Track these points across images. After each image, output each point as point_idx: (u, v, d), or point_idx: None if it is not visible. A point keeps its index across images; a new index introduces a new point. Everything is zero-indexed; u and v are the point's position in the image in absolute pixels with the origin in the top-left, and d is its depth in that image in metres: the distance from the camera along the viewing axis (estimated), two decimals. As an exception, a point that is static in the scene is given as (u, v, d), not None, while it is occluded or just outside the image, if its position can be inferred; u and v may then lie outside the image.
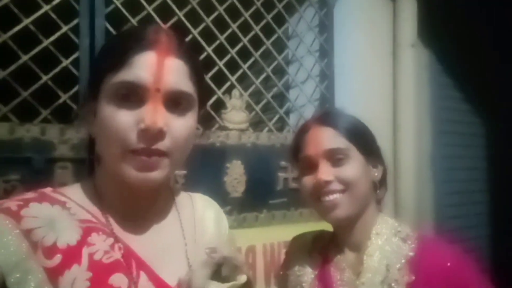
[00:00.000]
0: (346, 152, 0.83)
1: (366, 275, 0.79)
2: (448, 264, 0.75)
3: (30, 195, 0.59)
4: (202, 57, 1.54)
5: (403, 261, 0.78)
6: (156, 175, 0.58)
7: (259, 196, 1.61)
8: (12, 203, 0.55)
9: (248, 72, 1.68)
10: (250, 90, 1.71)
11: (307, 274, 0.88)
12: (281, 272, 0.99)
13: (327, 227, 0.92)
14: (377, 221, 0.85)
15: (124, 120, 0.56)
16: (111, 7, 1.37)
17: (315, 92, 1.89)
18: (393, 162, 1.99)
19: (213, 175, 1.50)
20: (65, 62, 1.29)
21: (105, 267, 0.56)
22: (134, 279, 0.58)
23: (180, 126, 0.59)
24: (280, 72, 1.86)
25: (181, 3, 1.52)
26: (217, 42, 1.59)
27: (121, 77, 0.56)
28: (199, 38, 1.55)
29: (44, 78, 1.26)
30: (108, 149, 0.58)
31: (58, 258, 0.53)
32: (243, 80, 1.75)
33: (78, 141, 1.25)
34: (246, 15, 1.67)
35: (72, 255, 0.55)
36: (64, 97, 1.28)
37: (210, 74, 1.57)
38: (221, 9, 1.60)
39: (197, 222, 0.73)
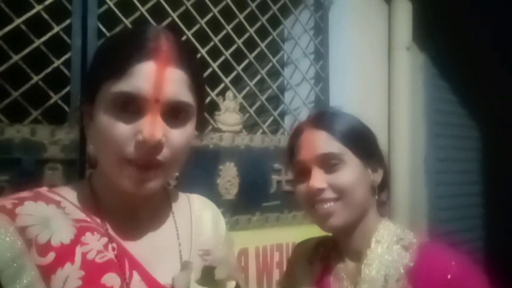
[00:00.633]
0: (340, 157, 0.78)
1: (363, 286, 0.76)
2: (449, 276, 0.70)
3: (25, 194, 0.59)
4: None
5: (402, 271, 0.73)
6: (152, 185, 0.58)
7: (252, 199, 1.60)
8: (7, 202, 0.56)
9: (242, 74, 1.68)
10: (244, 92, 1.70)
11: (306, 283, 0.86)
12: (283, 281, 0.98)
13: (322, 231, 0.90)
14: (378, 227, 0.80)
15: (121, 131, 0.55)
16: (104, 7, 1.36)
17: (310, 95, 1.89)
18: (387, 165, 1.99)
19: (206, 177, 1.49)
20: (57, 63, 1.28)
21: (98, 266, 0.56)
22: (127, 279, 0.58)
23: (178, 136, 0.58)
24: (275, 74, 1.85)
25: (175, 4, 1.51)
26: (211, 43, 1.59)
27: (120, 87, 0.55)
28: (193, 40, 1.54)
29: (35, 78, 1.25)
30: (105, 157, 0.59)
31: (51, 256, 0.54)
32: (238, 82, 1.75)
33: (69, 142, 1.23)
34: (241, 16, 1.67)
35: (65, 253, 0.55)
36: (55, 98, 1.27)
37: (203, 75, 1.56)
38: (215, 10, 1.59)
39: (194, 223, 0.73)
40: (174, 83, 0.57)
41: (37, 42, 1.25)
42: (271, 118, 1.77)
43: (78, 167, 1.26)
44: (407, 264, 0.74)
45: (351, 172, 0.78)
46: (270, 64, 1.78)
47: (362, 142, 0.82)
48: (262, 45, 1.73)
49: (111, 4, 1.38)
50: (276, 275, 1.60)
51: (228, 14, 1.64)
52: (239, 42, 1.66)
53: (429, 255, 0.75)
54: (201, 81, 0.65)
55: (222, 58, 1.62)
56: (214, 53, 1.59)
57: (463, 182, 2.51)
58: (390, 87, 2.08)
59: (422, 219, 2.17)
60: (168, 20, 1.49)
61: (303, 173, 0.81)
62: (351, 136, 0.80)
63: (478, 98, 2.57)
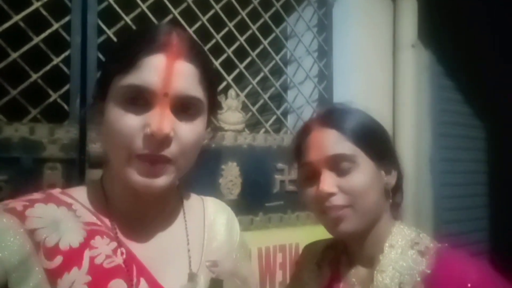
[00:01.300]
0: (352, 159, 0.72)
1: None
2: (469, 285, 0.65)
3: (37, 195, 0.59)
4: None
5: (418, 279, 0.68)
6: (161, 181, 0.56)
7: (255, 199, 1.58)
8: (18, 203, 0.55)
9: (245, 72, 1.65)
10: (247, 90, 1.68)
11: (314, 287, 0.82)
12: (290, 283, 0.94)
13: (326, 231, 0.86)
14: (391, 231, 0.75)
15: (130, 124, 0.55)
16: (104, 4, 1.34)
17: (314, 93, 1.86)
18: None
19: (208, 177, 1.47)
20: (56, 60, 1.26)
21: (105, 272, 0.56)
22: (134, 285, 0.57)
23: (187, 132, 0.57)
24: (278, 72, 1.83)
25: (177, 1, 1.49)
26: (213, 41, 1.56)
27: (129, 80, 0.55)
28: (195, 37, 1.51)
29: (34, 76, 1.23)
30: (114, 152, 0.58)
31: (58, 259, 0.53)
32: (240, 80, 1.72)
33: (68, 141, 1.22)
34: (243, 13, 1.64)
35: (73, 257, 0.54)
36: (54, 96, 1.25)
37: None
38: (217, 7, 1.57)
39: (207, 228, 0.71)
40: (184, 77, 0.56)
41: (36, 39, 1.23)
42: (274, 117, 1.75)
43: (78, 167, 1.25)
44: (424, 270, 0.68)
45: (364, 175, 0.72)
46: (273, 62, 1.76)
47: (375, 142, 0.75)
48: (265, 42, 1.70)
49: (111, 0, 1.35)
50: (279, 276, 1.57)
51: (230, 11, 1.61)
52: (242, 39, 1.63)
53: (447, 262, 0.69)
54: (212, 77, 0.63)
55: (224, 55, 1.59)
56: (216, 50, 1.57)
57: (469, 183, 2.48)
58: (394, 85, 2.05)
59: (427, 220, 2.14)
60: (169, 17, 1.47)
61: (311, 176, 0.75)
62: (364, 136, 0.74)
63: (485, 97, 2.53)
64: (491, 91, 2.51)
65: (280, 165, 1.64)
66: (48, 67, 1.25)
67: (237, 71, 1.63)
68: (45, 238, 0.54)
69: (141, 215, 0.64)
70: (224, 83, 1.60)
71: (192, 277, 0.62)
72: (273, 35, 1.74)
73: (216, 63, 1.56)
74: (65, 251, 0.54)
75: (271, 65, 1.75)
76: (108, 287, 0.55)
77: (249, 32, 1.66)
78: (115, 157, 0.58)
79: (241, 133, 1.59)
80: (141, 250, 0.61)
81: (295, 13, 1.87)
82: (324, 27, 1.86)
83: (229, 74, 1.61)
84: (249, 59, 1.67)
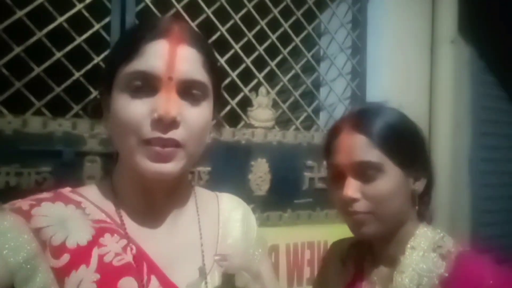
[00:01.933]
0: (378, 167, 0.71)
1: None
2: None
3: (45, 195, 0.59)
4: (229, 54, 1.54)
5: (436, 281, 0.68)
6: (171, 167, 0.56)
7: (284, 195, 1.59)
8: (24, 203, 0.56)
9: (276, 70, 1.66)
10: (278, 87, 1.69)
11: (338, 283, 0.83)
12: (317, 278, 0.96)
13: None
14: (415, 233, 0.75)
15: (137, 110, 0.55)
16: (142, 5, 1.39)
17: (346, 90, 1.84)
18: (433, 171, 1.90)
19: (238, 173, 1.50)
20: (97, 59, 1.33)
21: (115, 269, 0.55)
22: (144, 284, 0.56)
23: (194, 115, 0.57)
24: (310, 69, 1.82)
25: (210, 0, 1.52)
26: (245, 39, 1.58)
27: (134, 67, 0.55)
28: (227, 35, 1.54)
29: (77, 74, 1.30)
30: (123, 140, 0.57)
31: (66, 257, 0.53)
32: (272, 78, 1.73)
33: (107, 136, 1.28)
34: (276, 11, 1.65)
35: (81, 255, 0.54)
36: (95, 93, 1.32)
37: (237, 71, 1.56)
38: (249, 6, 1.59)
39: (221, 224, 0.70)
40: (187, 61, 0.57)
41: (78, 40, 1.30)
42: (305, 114, 1.75)
43: (115, 160, 1.31)
44: (442, 274, 0.69)
45: (389, 183, 0.72)
46: (305, 59, 1.75)
47: (405, 149, 0.74)
48: (297, 40, 1.70)
49: (148, 1, 1.41)
50: (306, 273, 1.58)
51: (262, 9, 1.62)
52: (273, 37, 1.64)
53: (466, 266, 0.69)
54: (214, 62, 0.64)
55: (256, 53, 1.61)
56: (248, 48, 1.59)
57: (510, 184, 2.36)
58: (432, 82, 1.97)
59: (465, 223, 2.07)
60: (203, 16, 1.50)
61: (338, 177, 0.76)
62: (393, 143, 0.72)
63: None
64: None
65: (309, 163, 1.64)
66: (89, 66, 1.32)
67: (268, 68, 1.65)
68: (51, 237, 0.53)
69: (152, 211, 0.63)
70: (255, 81, 1.62)
71: (202, 271, 0.61)
72: (305, 32, 1.74)
73: (248, 61, 1.58)
74: (72, 249, 0.54)
75: (302, 62, 1.75)
76: (118, 285, 0.54)
77: (281, 29, 1.67)
78: (124, 146, 0.57)
79: (271, 130, 1.60)
80: (152, 247, 0.60)
81: (328, 10, 1.85)
82: (358, 23, 1.83)
83: (260, 72, 1.62)
84: (280, 56, 1.67)
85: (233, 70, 1.54)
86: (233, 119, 1.55)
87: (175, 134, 0.55)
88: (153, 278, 0.57)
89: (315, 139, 1.67)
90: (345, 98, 1.83)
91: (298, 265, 1.57)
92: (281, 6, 1.67)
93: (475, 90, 2.17)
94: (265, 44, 1.63)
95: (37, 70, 1.24)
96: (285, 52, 1.68)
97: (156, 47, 0.56)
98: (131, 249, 0.58)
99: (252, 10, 1.59)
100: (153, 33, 0.56)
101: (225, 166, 1.46)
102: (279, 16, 1.66)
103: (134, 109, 0.55)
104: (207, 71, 0.59)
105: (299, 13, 1.70)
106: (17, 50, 1.21)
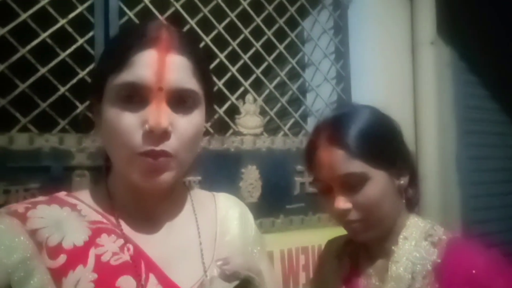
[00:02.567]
0: (362, 176, 0.72)
1: (390, 283, 0.74)
2: (474, 271, 0.67)
3: (40, 198, 0.59)
4: (215, 63, 1.55)
5: (429, 268, 0.71)
6: (164, 177, 0.57)
7: (276, 201, 1.59)
8: (20, 206, 0.56)
9: (261, 77, 1.68)
10: (264, 94, 1.71)
11: (335, 279, 0.85)
12: (313, 276, 0.98)
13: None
14: (406, 224, 0.78)
15: (128, 122, 0.55)
16: (125, 18, 1.40)
17: (332, 95, 1.87)
18: (415, 162, 1.93)
19: (228, 181, 1.50)
20: (82, 74, 1.33)
21: (113, 269, 0.55)
22: (143, 282, 0.56)
23: (186, 125, 0.57)
24: (296, 76, 1.84)
25: (193, 11, 1.54)
26: (230, 48, 1.60)
27: (123, 78, 0.55)
28: (211, 45, 1.56)
29: (62, 89, 1.30)
30: (115, 152, 0.58)
31: (62, 258, 0.53)
32: (259, 86, 1.75)
33: (95, 150, 1.28)
34: (258, 20, 1.67)
35: (77, 255, 0.54)
36: (81, 107, 1.32)
37: (223, 80, 1.58)
38: (232, 15, 1.61)
39: (219, 222, 0.71)
40: (177, 70, 0.56)
41: (63, 55, 1.30)
42: (293, 120, 1.76)
43: (104, 174, 1.30)
44: (435, 260, 0.72)
45: (377, 187, 0.73)
46: (290, 66, 1.78)
47: (385, 152, 0.75)
48: (281, 47, 1.73)
49: (131, 15, 1.42)
50: (302, 278, 1.58)
51: (245, 18, 1.65)
52: (257, 45, 1.67)
53: (455, 251, 0.72)
54: (206, 69, 0.63)
55: (241, 62, 1.63)
56: (233, 57, 1.61)
57: (497, 181, 2.39)
58: (415, 84, 2.01)
59: (455, 221, 2.09)
60: (187, 26, 1.52)
61: (326, 190, 0.77)
62: (372, 150, 0.73)
63: (510, 91, 2.45)
64: (518, 85, 2.43)
65: (300, 167, 1.65)
66: (74, 81, 1.32)
67: (254, 76, 1.66)
68: (47, 238, 0.54)
69: (147, 212, 0.63)
70: (242, 89, 1.63)
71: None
72: (288, 39, 1.76)
73: (233, 69, 1.60)
74: (69, 249, 0.54)
75: (288, 69, 1.77)
76: (116, 284, 0.54)
77: (265, 37, 1.69)
78: (116, 157, 0.58)
79: (260, 137, 1.61)
80: (150, 246, 0.60)
81: (310, 17, 1.88)
82: (340, 29, 1.87)
83: (246, 80, 1.64)
84: (265, 64, 1.69)
85: (219, 79, 1.56)
86: (222, 127, 1.56)
87: (166, 146, 0.55)
88: (152, 276, 0.57)
89: (304, 144, 1.68)
90: (332, 103, 1.86)
91: (293, 270, 1.56)
92: (264, 14, 1.69)
93: (458, 90, 2.21)
94: (250, 52, 1.65)
95: (22, 86, 1.23)
96: (270, 59, 1.70)
97: (144, 57, 0.55)
98: (128, 248, 0.58)
99: (235, 19, 1.61)
100: (142, 42, 0.56)
101: (215, 174, 1.46)
102: (262, 25, 1.68)
103: (125, 122, 0.55)
104: (198, 78, 0.59)
105: (281, 21, 1.73)
106: (1, 67, 1.21)
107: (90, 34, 1.34)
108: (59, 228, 0.55)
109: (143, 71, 0.54)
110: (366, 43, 1.88)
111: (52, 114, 1.28)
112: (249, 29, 1.65)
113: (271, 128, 1.80)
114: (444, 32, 2.09)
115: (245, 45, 1.64)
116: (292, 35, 1.77)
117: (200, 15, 1.55)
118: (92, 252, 0.55)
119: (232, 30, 1.61)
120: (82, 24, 1.33)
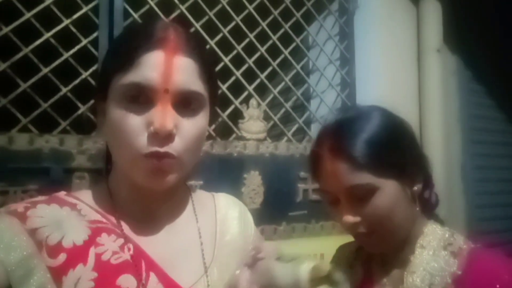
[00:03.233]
0: (370, 187, 0.67)
1: None
2: (498, 286, 0.63)
3: (40, 198, 0.60)
4: (219, 67, 1.54)
5: (448, 280, 0.66)
6: (168, 179, 0.57)
7: (278, 208, 1.57)
8: (19, 205, 0.56)
9: (266, 82, 1.67)
10: (268, 99, 1.69)
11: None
12: None
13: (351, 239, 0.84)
14: (423, 231, 0.73)
15: (133, 123, 0.54)
16: (129, 19, 1.39)
17: (337, 101, 1.85)
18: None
19: (230, 186, 1.47)
20: (85, 74, 1.32)
21: (113, 267, 0.55)
22: (143, 281, 0.56)
23: (190, 127, 0.57)
24: (300, 81, 1.83)
25: (198, 14, 1.53)
26: (235, 52, 1.59)
27: (129, 78, 0.54)
28: (216, 49, 1.54)
29: (64, 90, 1.29)
30: (119, 152, 0.58)
31: (62, 257, 0.53)
32: (263, 90, 1.73)
33: (96, 152, 1.26)
34: (264, 24, 1.66)
35: (77, 254, 0.54)
36: (83, 109, 1.30)
37: (227, 84, 1.56)
38: (238, 19, 1.60)
39: (219, 222, 0.71)
40: (183, 72, 0.56)
41: (66, 55, 1.29)
42: (296, 126, 1.74)
43: (104, 176, 1.28)
44: (455, 272, 0.66)
45: (386, 198, 0.68)
46: (294, 71, 1.76)
47: (394, 160, 0.69)
48: (286, 52, 1.71)
49: (136, 16, 1.41)
50: (304, 287, 1.54)
51: (251, 22, 1.64)
52: (262, 50, 1.65)
53: (478, 263, 0.67)
54: (212, 71, 0.63)
55: (246, 66, 1.61)
56: (238, 61, 1.59)
57: (503, 191, 2.36)
58: (420, 92, 1.99)
59: (460, 230, 2.05)
60: (192, 29, 1.50)
61: (333, 201, 0.73)
62: (379, 159, 0.67)
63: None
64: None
65: (303, 174, 1.62)
66: (77, 81, 1.31)
67: (258, 81, 1.65)
68: (47, 237, 0.54)
69: (149, 213, 0.63)
70: (246, 93, 1.61)
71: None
72: (294, 44, 1.75)
73: (237, 73, 1.58)
74: (69, 248, 0.54)
75: (292, 74, 1.75)
76: (116, 283, 0.54)
77: (270, 42, 1.68)
78: (120, 158, 0.58)
79: (263, 142, 1.59)
80: (150, 245, 0.60)
81: (316, 22, 1.87)
82: (345, 35, 1.86)
83: (250, 84, 1.62)
84: (270, 69, 1.68)
85: (223, 82, 1.54)
86: (225, 131, 1.54)
87: (170, 148, 0.55)
88: (152, 275, 0.57)
89: (308, 150, 1.65)
90: (336, 109, 1.84)
91: (295, 279, 1.53)
92: (269, 19, 1.68)
93: (463, 99, 2.19)
94: (255, 57, 1.64)
95: (23, 86, 1.22)
96: (275, 64, 1.68)
97: (151, 58, 0.55)
98: (129, 248, 0.58)
99: (240, 23, 1.60)
100: (149, 43, 0.55)
101: (218, 179, 1.44)
102: (267, 29, 1.67)
103: (130, 123, 0.54)
104: (204, 80, 0.59)
105: (287, 26, 1.72)
106: (3, 66, 1.19)
107: (94, 35, 1.34)
108: (59, 227, 0.56)
109: (150, 72, 0.54)
110: (372, 50, 1.87)
111: (53, 114, 1.26)
112: (254, 33, 1.64)
113: (274, 134, 1.78)
114: (450, 40, 2.08)
115: (250, 49, 1.63)
116: (298, 40, 1.76)
117: (206, 18, 1.54)
118: (92, 251, 0.55)
119: (237, 34, 1.60)
120: (86, 25, 1.32)
